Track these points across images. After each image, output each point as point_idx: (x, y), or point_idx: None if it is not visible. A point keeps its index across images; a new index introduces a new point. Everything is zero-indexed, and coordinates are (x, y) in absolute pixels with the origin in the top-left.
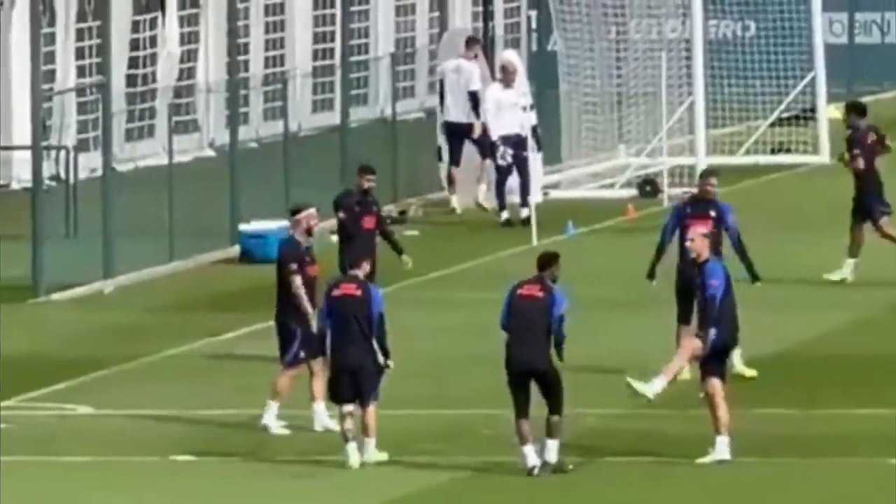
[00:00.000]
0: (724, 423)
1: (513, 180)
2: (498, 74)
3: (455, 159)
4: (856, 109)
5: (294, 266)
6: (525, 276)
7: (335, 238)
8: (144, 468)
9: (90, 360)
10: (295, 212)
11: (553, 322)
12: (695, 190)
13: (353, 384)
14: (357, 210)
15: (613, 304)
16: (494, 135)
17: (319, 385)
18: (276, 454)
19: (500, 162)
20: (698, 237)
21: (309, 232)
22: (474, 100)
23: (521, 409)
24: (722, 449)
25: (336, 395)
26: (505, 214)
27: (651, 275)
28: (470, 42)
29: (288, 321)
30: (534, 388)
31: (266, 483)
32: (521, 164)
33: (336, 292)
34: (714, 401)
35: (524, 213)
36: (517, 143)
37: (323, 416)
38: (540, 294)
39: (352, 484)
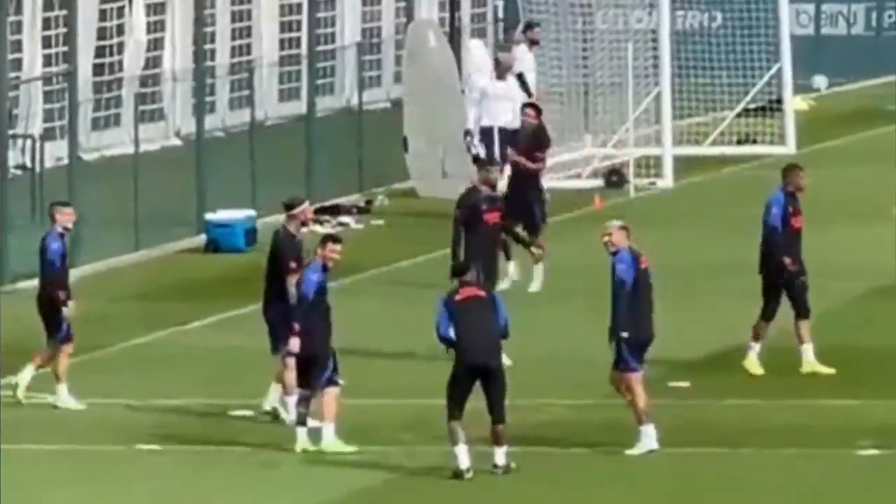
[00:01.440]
0: (646, 413)
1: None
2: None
3: None
4: (536, 108)
5: (294, 264)
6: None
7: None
8: (110, 457)
9: None
10: (290, 206)
11: (499, 322)
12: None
13: (303, 370)
14: (484, 207)
15: (579, 294)
16: (471, 123)
17: (292, 377)
18: (241, 444)
19: (472, 151)
20: (615, 230)
21: (304, 224)
22: (521, 81)
23: (460, 409)
24: (649, 439)
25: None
26: None
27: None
28: (526, 27)
29: (286, 315)
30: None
31: (232, 473)
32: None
33: (458, 297)
34: (633, 392)
35: None
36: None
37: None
38: (482, 293)
39: (318, 474)
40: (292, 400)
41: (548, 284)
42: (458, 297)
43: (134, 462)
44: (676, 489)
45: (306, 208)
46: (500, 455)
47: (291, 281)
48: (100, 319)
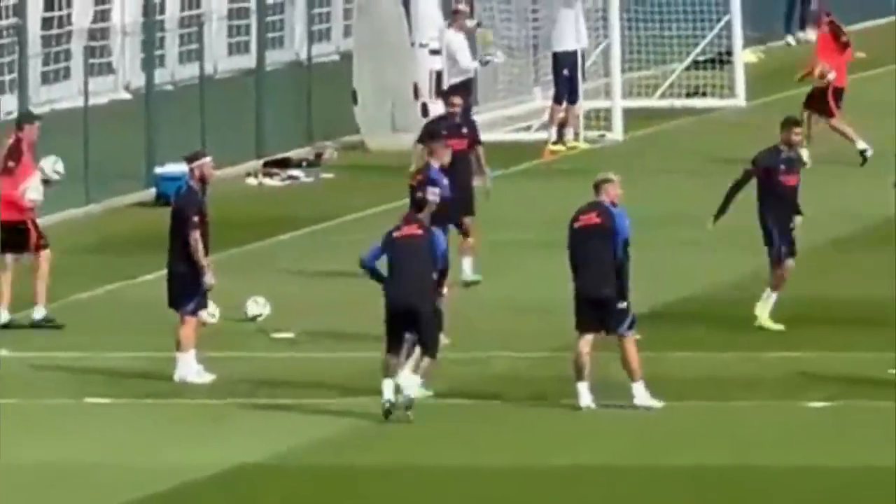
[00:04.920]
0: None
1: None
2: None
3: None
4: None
5: (195, 219)
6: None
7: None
8: (59, 410)
9: None
10: (191, 159)
11: (433, 263)
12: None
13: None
14: (783, 168)
15: (526, 245)
16: (450, 82)
17: (192, 333)
18: (192, 397)
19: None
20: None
21: (203, 180)
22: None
23: (394, 344)
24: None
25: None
26: None
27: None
28: (454, 12)
29: (190, 271)
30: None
31: (182, 426)
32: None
33: (396, 234)
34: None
35: None
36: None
37: (185, 367)
38: (419, 232)
39: (268, 427)
40: (183, 356)
41: (493, 237)
42: (395, 234)
43: (83, 415)
44: (624, 442)
45: (204, 163)
46: (412, 386)
47: (194, 235)
48: (50, 272)
